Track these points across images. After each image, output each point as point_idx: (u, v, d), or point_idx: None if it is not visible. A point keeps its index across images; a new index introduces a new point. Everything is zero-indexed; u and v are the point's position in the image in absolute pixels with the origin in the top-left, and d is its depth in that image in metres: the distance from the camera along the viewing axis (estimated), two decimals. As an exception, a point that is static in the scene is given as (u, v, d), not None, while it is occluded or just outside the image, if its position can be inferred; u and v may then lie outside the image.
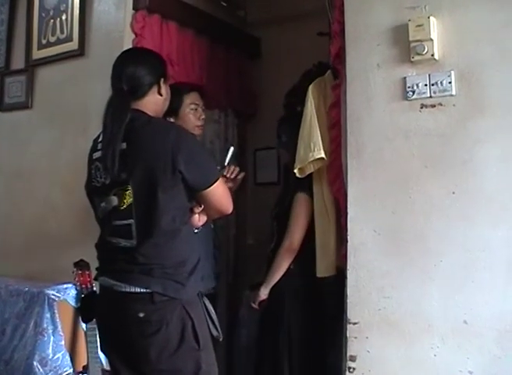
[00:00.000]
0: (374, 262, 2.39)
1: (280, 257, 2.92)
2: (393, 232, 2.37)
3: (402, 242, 2.35)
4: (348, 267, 2.44)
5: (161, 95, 2.28)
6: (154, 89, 2.26)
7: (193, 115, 2.82)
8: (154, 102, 2.26)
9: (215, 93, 3.79)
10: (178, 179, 2.10)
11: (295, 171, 2.76)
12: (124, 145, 2.11)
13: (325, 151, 2.73)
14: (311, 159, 2.70)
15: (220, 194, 2.23)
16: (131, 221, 2.10)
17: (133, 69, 2.23)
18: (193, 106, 2.84)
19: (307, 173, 2.79)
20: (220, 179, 2.21)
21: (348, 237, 2.47)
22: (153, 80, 2.25)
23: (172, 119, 2.65)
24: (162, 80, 2.28)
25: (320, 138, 2.69)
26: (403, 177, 2.36)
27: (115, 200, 2.13)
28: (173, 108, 2.64)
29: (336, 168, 2.69)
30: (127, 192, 2.10)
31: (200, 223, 2.32)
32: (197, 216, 2.31)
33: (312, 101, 2.77)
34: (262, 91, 4.25)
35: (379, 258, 2.38)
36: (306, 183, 2.90)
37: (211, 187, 2.18)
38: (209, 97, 3.47)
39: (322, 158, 2.70)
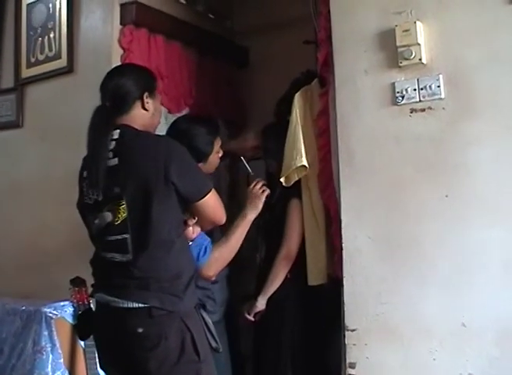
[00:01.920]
0: (370, 269, 2.38)
1: (278, 266, 2.87)
2: (388, 237, 2.36)
3: (397, 247, 2.34)
4: (344, 274, 2.42)
5: (146, 110, 2.27)
6: (138, 104, 2.25)
7: (218, 157, 2.79)
8: (140, 117, 2.26)
9: (205, 104, 3.77)
10: (171, 191, 2.09)
11: (282, 180, 2.76)
12: (116, 161, 2.11)
13: (311, 159, 2.73)
14: (294, 167, 2.70)
15: (213, 204, 2.23)
16: (126, 235, 2.09)
17: (115, 85, 2.24)
18: (220, 151, 2.80)
19: (292, 181, 2.78)
20: (213, 190, 2.20)
21: (343, 244, 2.45)
22: (135, 95, 2.24)
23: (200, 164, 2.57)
24: (146, 94, 2.26)
25: (303, 146, 2.69)
26: (396, 182, 2.35)
27: (109, 216, 2.13)
28: (204, 155, 2.66)
29: (326, 175, 2.69)
30: (121, 207, 2.09)
31: (194, 235, 2.33)
32: (190, 228, 2.31)
33: (298, 109, 2.77)
34: (251, 100, 4.22)
35: (375, 264, 2.37)
36: (297, 191, 2.89)
37: (205, 198, 2.18)
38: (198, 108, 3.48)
39: (305, 167, 2.70)
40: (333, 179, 2.59)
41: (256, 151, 3.04)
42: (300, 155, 2.68)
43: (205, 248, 2.43)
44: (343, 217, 2.47)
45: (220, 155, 2.74)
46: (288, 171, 2.75)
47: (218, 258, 2.46)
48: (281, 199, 2.94)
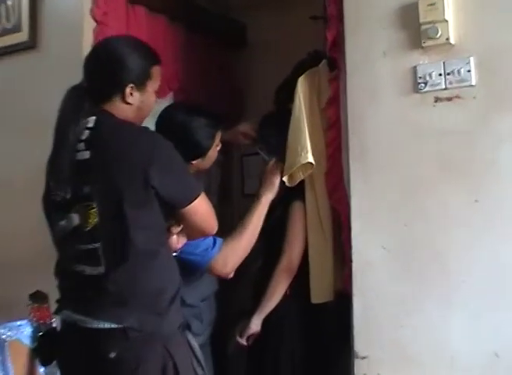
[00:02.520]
0: (384, 286, 2.37)
1: (276, 279, 2.86)
2: (406, 249, 2.35)
3: (417, 260, 2.32)
4: (354, 292, 2.41)
5: (128, 104, 2.23)
6: (118, 95, 2.22)
7: (217, 151, 2.82)
8: (121, 109, 2.23)
9: (192, 90, 3.73)
10: (151, 195, 2.08)
11: (284, 179, 2.74)
12: (87, 154, 2.09)
13: (318, 155, 2.71)
14: (298, 165, 2.67)
15: (202, 212, 2.23)
16: (97, 245, 2.08)
17: (95, 66, 2.23)
18: (219, 144, 2.82)
19: (297, 181, 2.76)
20: (202, 195, 2.19)
21: (352, 256, 2.44)
22: (115, 85, 2.22)
23: (194, 162, 2.64)
24: (132, 86, 2.22)
25: (308, 141, 2.67)
26: (416, 184, 2.34)
27: (75, 218, 2.11)
28: (204, 151, 2.68)
29: (335, 175, 2.68)
30: (92, 211, 2.08)
31: (179, 245, 2.31)
32: (175, 236, 2.29)
33: (302, 96, 2.74)
34: (249, 86, 4.19)
35: (390, 280, 2.36)
36: (301, 192, 2.89)
37: (192, 205, 2.17)
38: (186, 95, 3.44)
39: (311, 164, 2.67)
40: (343, 179, 2.57)
41: (249, 140, 3.04)
42: (305, 150, 2.66)
43: (214, 240, 2.46)
44: (353, 224, 2.46)
45: (219, 148, 2.77)
46: (291, 169, 2.72)
47: (235, 250, 2.54)
48: (282, 201, 2.92)
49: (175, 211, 2.18)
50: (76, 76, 2.25)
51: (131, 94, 2.20)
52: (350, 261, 2.44)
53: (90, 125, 2.13)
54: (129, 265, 2.06)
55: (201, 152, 2.66)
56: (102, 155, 2.10)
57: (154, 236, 2.13)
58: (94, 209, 2.07)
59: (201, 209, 2.22)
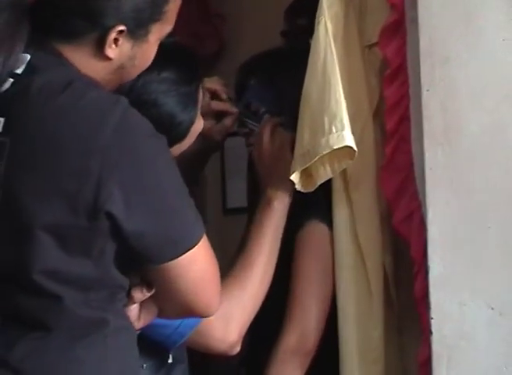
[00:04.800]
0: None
1: (279, 368, 2.11)
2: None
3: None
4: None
5: (104, 58, 1.67)
6: (91, 39, 1.65)
7: (201, 124, 2.11)
8: (87, 63, 1.68)
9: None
10: (101, 230, 1.52)
11: (292, 178, 1.98)
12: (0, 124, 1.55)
13: (360, 132, 1.99)
14: (324, 152, 1.91)
15: (197, 273, 1.66)
16: None
17: None
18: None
19: (317, 183, 1.99)
20: (203, 240, 1.62)
21: (431, 325, 1.79)
22: (91, 21, 1.64)
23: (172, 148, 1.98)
24: (119, 32, 1.64)
25: (344, 107, 1.90)
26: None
27: None
28: (183, 130, 2.02)
29: (397, 174, 1.98)
30: None
31: (141, 324, 1.72)
32: (136, 308, 1.70)
33: (329, 23, 1.98)
34: (232, 12, 3.43)
35: (505, 364, 1.82)
36: (323, 204, 2.11)
37: (181, 259, 1.60)
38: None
39: (350, 150, 1.92)
40: (415, 183, 1.91)
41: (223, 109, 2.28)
42: (339, 124, 1.88)
43: None
44: (431, 263, 1.83)
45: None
46: (309, 160, 1.93)
47: (241, 300, 1.98)
48: (288, 221, 2.14)
49: (145, 264, 1.65)
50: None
51: (115, 42, 1.65)
52: (429, 333, 1.82)
53: (18, 70, 1.58)
54: (44, 343, 1.56)
55: (180, 134, 1.99)
56: (27, 135, 1.54)
57: (98, 296, 1.61)
58: None
59: (196, 267, 1.65)
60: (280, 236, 2.03)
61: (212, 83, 2.21)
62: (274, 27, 2.71)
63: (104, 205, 1.46)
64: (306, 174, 1.98)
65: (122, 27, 1.57)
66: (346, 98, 1.91)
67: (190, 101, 1.98)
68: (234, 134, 2.33)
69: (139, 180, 1.53)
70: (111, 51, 1.58)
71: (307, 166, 1.93)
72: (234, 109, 2.23)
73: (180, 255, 1.56)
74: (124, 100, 1.59)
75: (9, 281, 1.53)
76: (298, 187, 1.96)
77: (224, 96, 2.24)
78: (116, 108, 1.54)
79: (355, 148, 1.85)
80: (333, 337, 2.09)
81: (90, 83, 1.58)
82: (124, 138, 1.51)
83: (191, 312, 1.70)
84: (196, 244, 1.57)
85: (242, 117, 2.23)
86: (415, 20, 1.83)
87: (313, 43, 1.98)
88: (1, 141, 1.52)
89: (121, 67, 1.66)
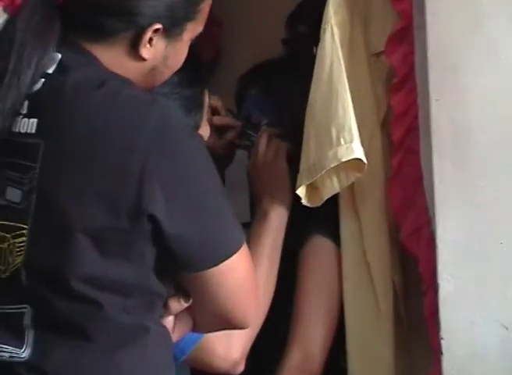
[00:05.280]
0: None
1: None
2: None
3: None
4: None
5: (139, 58, 1.64)
6: (125, 38, 1.62)
7: (208, 129, 2.09)
8: (121, 64, 1.65)
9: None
10: (143, 231, 1.46)
11: (299, 192, 1.91)
12: (33, 125, 1.51)
13: (368, 143, 1.93)
14: (332, 165, 1.85)
15: (238, 280, 1.61)
16: (24, 308, 1.52)
17: None
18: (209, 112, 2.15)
19: (326, 197, 1.92)
20: (243, 247, 1.58)
21: (442, 345, 1.75)
22: (127, 20, 1.61)
23: None
24: (155, 30, 1.60)
25: (353, 118, 1.85)
26: None
27: None
28: None
29: (405, 187, 1.94)
30: (19, 241, 1.53)
31: (175, 337, 1.68)
32: (171, 320, 1.65)
33: (336, 30, 1.94)
34: (231, 16, 3.27)
35: None
36: (327, 217, 2.05)
37: (222, 266, 1.55)
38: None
39: (360, 162, 1.86)
40: (424, 195, 1.87)
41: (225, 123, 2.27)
42: (348, 135, 1.83)
43: None
44: (440, 281, 1.78)
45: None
46: (315, 173, 1.87)
47: None
48: (291, 236, 2.09)
49: (184, 270, 1.59)
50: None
51: (150, 41, 1.62)
52: (439, 353, 1.79)
53: (49, 70, 1.56)
54: (84, 349, 1.52)
55: None
56: (62, 137, 1.50)
57: (137, 304, 1.56)
58: (24, 239, 1.51)
59: (237, 275, 1.60)
60: (279, 250, 1.99)
61: (212, 100, 2.16)
62: (273, 35, 2.60)
63: (147, 208, 1.43)
64: (312, 187, 1.93)
65: (158, 26, 1.56)
66: (356, 105, 1.88)
67: (194, 104, 1.94)
68: (236, 147, 2.29)
69: (180, 181, 1.50)
70: (145, 50, 1.56)
71: (314, 180, 1.88)
72: (236, 123, 2.20)
73: (221, 262, 1.53)
74: (160, 99, 1.59)
75: (47, 287, 1.50)
76: (304, 201, 1.90)
77: (224, 112, 2.22)
78: (155, 106, 1.52)
79: (365, 160, 1.81)
80: (340, 356, 2.06)
81: (125, 81, 1.55)
82: (164, 138, 1.48)
83: (228, 323, 1.67)
84: (237, 250, 1.54)
85: (244, 130, 2.21)
86: (423, 27, 1.79)
87: (319, 50, 1.93)
88: (35, 143, 1.49)
89: (154, 68, 1.64)
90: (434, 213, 1.79)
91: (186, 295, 1.61)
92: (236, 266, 1.56)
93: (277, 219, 2.00)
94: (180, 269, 1.55)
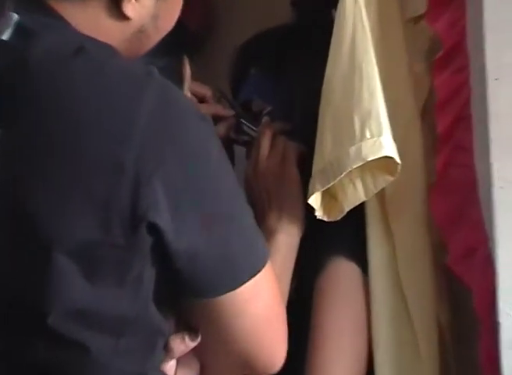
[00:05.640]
0: None
1: None
2: None
3: None
4: None
5: (122, 17, 1.38)
6: None
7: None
8: (99, 26, 1.40)
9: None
10: (141, 247, 1.19)
11: (311, 202, 1.63)
12: None
13: (402, 139, 1.62)
14: (357, 164, 1.57)
15: (265, 306, 1.34)
16: None
17: None
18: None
19: (348, 208, 1.64)
20: (267, 267, 1.31)
21: None
22: None
23: None
24: None
25: (382, 103, 1.56)
26: None
27: None
28: None
29: (452, 196, 1.65)
30: None
31: None
32: (173, 365, 1.38)
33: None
34: None
35: None
36: (351, 235, 1.78)
37: (246, 288, 1.28)
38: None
39: (391, 163, 1.56)
40: (478, 206, 1.56)
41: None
42: (374, 125, 1.54)
43: None
44: (501, 318, 1.45)
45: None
46: (333, 177, 1.58)
47: None
48: (305, 258, 1.81)
49: (193, 298, 1.31)
50: None
51: None
52: None
53: (4, 36, 1.26)
54: None
55: None
56: (21, 125, 1.22)
57: (134, 346, 1.30)
58: None
59: (260, 304, 1.33)
60: (289, 277, 1.72)
61: (198, 86, 1.90)
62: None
63: (146, 214, 1.18)
64: (329, 195, 1.62)
65: None
66: (382, 89, 1.57)
67: (168, 78, 1.81)
68: (232, 143, 1.96)
69: (190, 180, 1.25)
70: (130, 7, 1.33)
71: (331, 185, 1.56)
72: (229, 112, 1.90)
73: (243, 283, 1.29)
74: (156, 71, 1.31)
75: (20, 326, 1.27)
76: (319, 214, 1.60)
77: (215, 98, 1.93)
78: (151, 80, 1.26)
79: (398, 159, 1.49)
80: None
81: (108, 47, 1.29)
82: (166, 122, 1.25)
83: (249, 367, 1.41)
84: (262, 268, 1.31)
85: (240, 121, 1.90)
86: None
87: (337, 16, 1.62)
88: None
89: (140, 31, 1.41)
90: (492, 229, 1.46)
91: (192, 332, 1.36)
92: (260, 290, 1.32)
93: (287, 240, 1.73)
94: (187, 295, 1.30)
